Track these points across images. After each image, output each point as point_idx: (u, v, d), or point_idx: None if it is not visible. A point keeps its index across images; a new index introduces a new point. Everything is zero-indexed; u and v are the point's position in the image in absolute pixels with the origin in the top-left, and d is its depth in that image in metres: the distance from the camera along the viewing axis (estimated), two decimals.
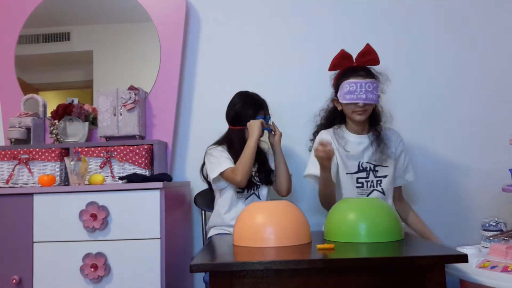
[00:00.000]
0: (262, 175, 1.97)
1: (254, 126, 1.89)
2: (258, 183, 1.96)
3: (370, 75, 1.78)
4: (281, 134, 1.96)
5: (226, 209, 1.91)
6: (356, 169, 1.83)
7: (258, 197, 1.96)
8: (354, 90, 1.74)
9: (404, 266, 1.12)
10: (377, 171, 1.83)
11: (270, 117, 1.99)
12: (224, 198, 1.93)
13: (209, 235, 1.96)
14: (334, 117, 1.91)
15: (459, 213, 2.16)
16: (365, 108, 1.77)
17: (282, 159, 1.96)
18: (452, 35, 2.26)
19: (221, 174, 1.86)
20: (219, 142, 1.97)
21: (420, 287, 1.10)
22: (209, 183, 1.98)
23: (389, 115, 1.90)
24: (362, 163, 1.83)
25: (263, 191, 1.98)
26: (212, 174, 1.87)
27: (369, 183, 1.83)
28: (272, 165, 2.01)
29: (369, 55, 1.80)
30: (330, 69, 1.87)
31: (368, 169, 1.83)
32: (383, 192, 1.83)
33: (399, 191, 1.95)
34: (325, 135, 1.86)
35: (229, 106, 1.99)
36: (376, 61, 1.81)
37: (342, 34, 2.29)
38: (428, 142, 2.20)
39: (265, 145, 2.06)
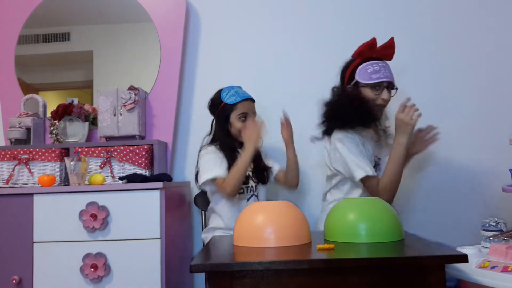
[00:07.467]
0: (259, 175, 1.94)
1: (251, 137, 1.77)
2: (256, 183, 1.93)
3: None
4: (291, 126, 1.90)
5: (231, 213, 1.86)
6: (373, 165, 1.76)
7: (257, 197, 1.94)
8: (378, 70, 1.71)
9: (404, 266, 1.12)
10: (379, 164, 1.79)
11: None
12: (225, 202, 1.88)
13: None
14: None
15: (459, 213, 2.16)
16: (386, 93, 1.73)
17: (295, 153, 1.89)
18: (451, 34, 2.26)
19: (213, 180, 1.81)
20: (212, 140, 1.94)
21: (420, 287, 1.10)
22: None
23: (384, 115, 1.84)
24: (374, 157, 1.79)
25: (262, 190, 1.96)
26: (200, 179, 1.83)
27: None
28: (266, 162, 1.98)
29: (390, 49, 1.77)
30: (355, 56, 1.79)
31: (375, 164, 1.78)
32: None
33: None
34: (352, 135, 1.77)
35: (214, 97, 1.95)
36: (391, 57, 1.79)
37: (341, 32, 2.29)
38: None
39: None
